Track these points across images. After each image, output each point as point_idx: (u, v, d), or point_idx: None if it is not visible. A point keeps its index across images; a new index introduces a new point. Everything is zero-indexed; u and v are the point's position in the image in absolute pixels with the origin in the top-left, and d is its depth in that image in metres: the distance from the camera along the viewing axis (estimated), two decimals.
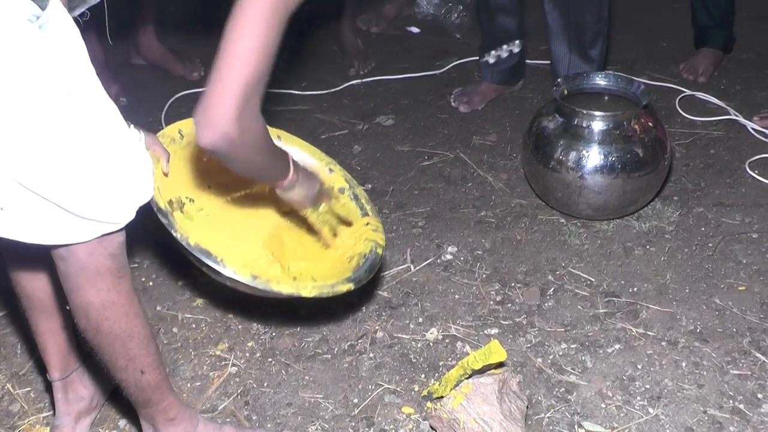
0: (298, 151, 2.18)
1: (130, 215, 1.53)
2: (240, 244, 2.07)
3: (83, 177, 1.43)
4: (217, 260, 1.76)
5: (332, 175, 2.17)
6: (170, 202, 1.92)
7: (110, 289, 1.55)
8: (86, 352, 1.75)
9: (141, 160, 1.55)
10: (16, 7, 1.31)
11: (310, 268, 2.05)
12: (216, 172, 2.06)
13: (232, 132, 1.44)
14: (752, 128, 3.10)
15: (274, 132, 2.04)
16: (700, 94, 3.36)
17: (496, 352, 1.84)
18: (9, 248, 1.69)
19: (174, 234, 1.75)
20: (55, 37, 1.40)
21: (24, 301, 1.78)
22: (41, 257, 1.71)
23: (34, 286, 1.75)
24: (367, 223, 2.06)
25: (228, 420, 1.98)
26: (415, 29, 4.21)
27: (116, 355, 1.61)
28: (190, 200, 2.04)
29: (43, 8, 1.36)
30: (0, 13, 1.29)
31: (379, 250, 2.01)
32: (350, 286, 1.90)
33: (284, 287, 1.83)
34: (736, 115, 3.18)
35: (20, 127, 1.33)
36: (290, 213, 2.11)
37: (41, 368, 2.11)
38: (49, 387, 1.94)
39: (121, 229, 1.53)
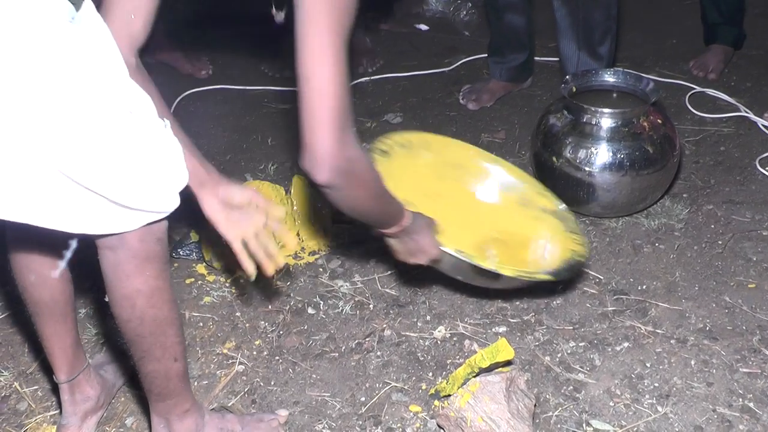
0: (504, 172, 2.33)
1: (176, 201, 1.54)
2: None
3: (131, 167, 1.44)
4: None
5: (543, 198, 2.27)
6: None
7: (158, 276, 1.57)
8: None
9: (175, 147, 1.56)
10: (57, 8, 1.33)
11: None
12: (438, 187, 2.30)
13: (340, 161, 1.49)
14: (762, 125, 3.08)
15: (477, 153, 2.34)
16: (710, 91, 3.35)
17: (503, 350, 1.84)
18: (18, 255, 1.70)
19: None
20: (91, 35, 1.41)
21: (31, 307, 1.78)
22: (50, 263, 1.72)
23: (41, 292, 1.75)
24: (571, 238, 2.14)
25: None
26: (423, 26, 4.21)
27: (156, 344, 1.62)
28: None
29: (77, 9, 1.38)
30: (44, 14, 1.30)
31: (580, 258, 2.06)
32: (549, 277, 2.04)
33: (485, 263, 2.00)
34: (747, 112, 3.17)
35: (70, 123, 1.34)
36: (507, 228, 2.27)
37: (48, 367, 2.10)
38: (55, 386, 1.94)
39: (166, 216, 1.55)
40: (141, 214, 1.49)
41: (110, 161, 1.41)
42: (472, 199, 2.33)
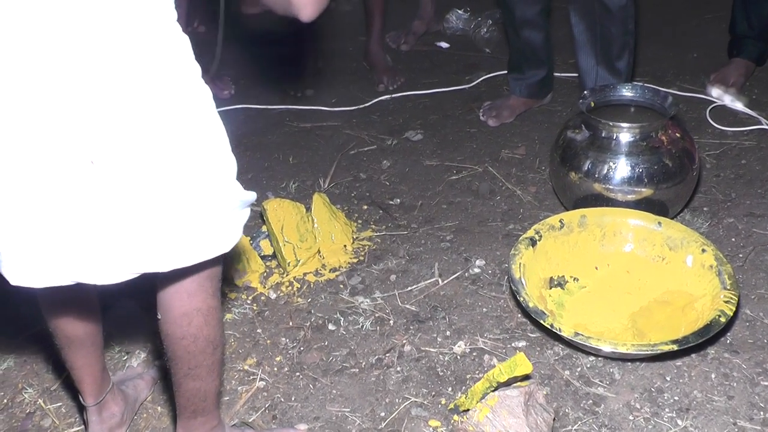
0: (662, 230, 2.39)
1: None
2: (605, 313, 2.30)
3: (227, 185, 1.51)
4: (544, 318, 2.09)
5: (704, 255, 2.27)
6: (551, 279, 2.37)
7: (214, 294, 1.61)
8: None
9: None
10: (171, 12, 1.37)
11: (666, 336, 2.11)
12: (603, 256, 2.42)
13: None
14: None
15: (634, 215, 2.44)
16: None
17: (521, 364, 1.84)
18: (50, 296, 1.69)
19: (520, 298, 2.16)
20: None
21: (62, 341, 1.79)
22: (86, 300, 1.74)
23: (76, 328, 1.77)
24: (723, 296, 2.12)
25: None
26: (444, 44, 4.23)
27: (203, 363, 1.65)
28: (574, 279, 2.39)
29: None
30: (167, 18, 1.36)
31: (723, 319, 2.05)
32: (673, 347, 2.00)
33: (603, 344, 2.04)
34: None
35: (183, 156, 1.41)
36: (671, 288, 2.32)
37: (72, 384, 2.13)
38: (80, 403, 1.96)
39: None
40: (230, 236, 1.54)
41: (215, 182, 1.47)
42: (638, 261, 2.40)
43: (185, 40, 1.40)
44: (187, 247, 1.47)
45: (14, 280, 1.45)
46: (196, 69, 1.42)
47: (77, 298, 1.73)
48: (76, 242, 1.39)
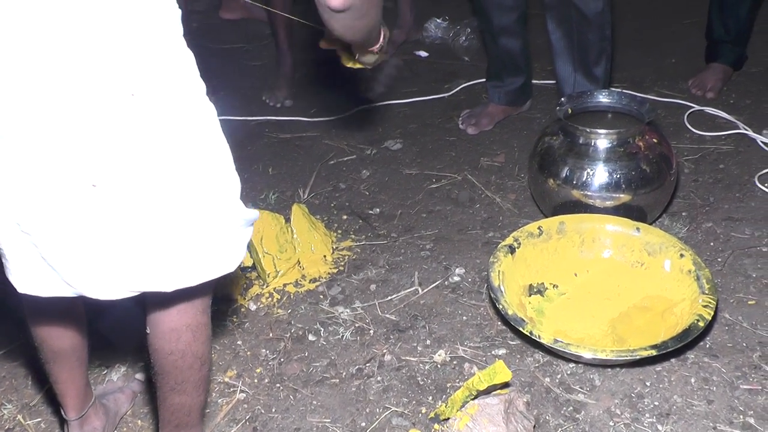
0: (641, 235, 2.40)
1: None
2: (585, 319, 2.30)
3: (231, 203, 1.50)
4: (524, 326, 2.10)
5: (683, 259, 2.28)
6: (530, 287, 2.37)
7: (204, 311, 1.61)
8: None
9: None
10: (178, 27, 1.36)
11: (646, 341, 2.11)
12: (582, 263, 2.44)
13: None
14: (762, 142, 3.08)
15: (613, 221, 2.45)
16: (709, 109, 3.35)
17: (500, 372, 1.84)
18: (37, 310, 1.70)
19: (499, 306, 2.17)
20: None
21: (48, 354, 1.78)
22: (73, 315, 1.74)
23: (62, 341, 1.77)
24: (702, 301, 2.14)
25: None
26: (423, 53, 4.23)
27: (190, 378, 1.64)
28: (553, 286, 2.39)
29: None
30: (173, 34, 1.34)
31: (701, 323, 2.06)
32: (652, 352, 2.01)
33: (583, 351, 2.04)
34: (746, 129, 3.17)
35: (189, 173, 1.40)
36: (651, 293, 2.34)
37: (51, 399, 2.13)
38: (60, 419, 1.95)
39: None
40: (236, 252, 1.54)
41: (221, 200, 1.47)
42: (617, 267, 2.41)
43: (190, 56, 1.38)
44: (192, 267, 1.47)
45: (21, 288, 1.48)
46: (201, 86, 1.41)
47: (65, 311, 1.72)
48: (81, 259, 1.40)
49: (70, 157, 1.30)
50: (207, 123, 1.42)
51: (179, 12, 1.35)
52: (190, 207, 1.42)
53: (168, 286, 1.46)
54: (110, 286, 1.43)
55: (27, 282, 1.47)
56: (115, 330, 2.29)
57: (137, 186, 1.35)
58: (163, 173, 1.36)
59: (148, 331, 1.60)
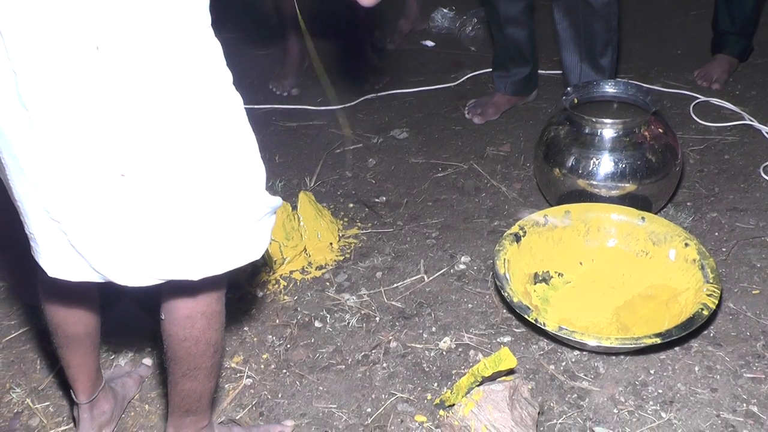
0: (645, 224, 2.41)
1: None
2: (589, 307, 2.32)
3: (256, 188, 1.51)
4: (529, 313, 2.11)
5: (687, 249, 2.29)
6: (536, 275, 2.39)
7: (219, 299, 1.63)
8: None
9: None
10: (206, 16, 1.36)
11: (650, 329, 2.13)
12: (587, 251, 2.45)
13: None
14: (767, 132, 3.09)
15: (617, 210, 2.46)
16: (714, 100, 3.36)
17: (506, 359, 1.85)
18: (54, 295, 1.71)
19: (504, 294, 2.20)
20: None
21: (61, 339, 1.79)
22: (88, 299, 1.75)
23: (76, 327, 1.77)
24: (706, 290, 2.15)
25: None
26: (430, 43, 4.24)
27: (202, 365, 1.66)
28: (558, 274, 2.41)
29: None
30: (200, 23, 1.35)
31: (705, 312, 2.07)
32: (657, 341, 2.02)
33: (588, 338, 2.05)
34: (751, 120, 3.18)
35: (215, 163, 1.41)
36: (655, 282, 2.34)
37: (59, 383, 2.15)
38: (68, 402, 1.96)
39: None
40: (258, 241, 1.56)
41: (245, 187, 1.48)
42: (622, 256, 2.42)
43: (217, 45, 1.39)
44: (219, 255, 1.49)
45: (51, 272, 1.49)
46: (228, 76, 1.42)
47: (81, 298, 1.73)
48: (109, 247, 1.42)
49: (100, 147, 1.31)
50: (233, 112, 1.43)
51: (207, 1, 1.36)
52: (217, 196, 1.43)
53: (195, 275, 1.47)
54: (138, 274, 1.45)
55: (56, 266, 1.48)
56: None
57: (165, 176, 1.36)
58: (191, 163, 1.38)
59: (162, 317, 1.62)
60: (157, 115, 1.31)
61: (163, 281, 1.48)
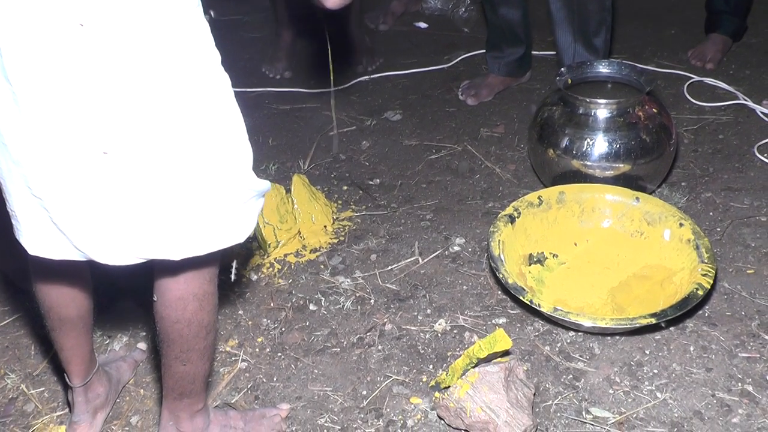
0: (640, 205, 2.41)
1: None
2: (584, 288, 2.32)
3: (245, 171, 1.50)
4: (524, 294, 2.10)
5: (682, 229, 2.28)
6: (530, 256, 2.38)
7: (211, 280, 1.62)
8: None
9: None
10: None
11: (645, 310, 2.13)
12: (581, 232, 2.45)
13: None
14: (761, 112, 3.09)
15: (612, 191, 2.46)
16: (708, 80, 3.36)
17: (501, 340, 1.85)
18: (45, 277, 1.70)
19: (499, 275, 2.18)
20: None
21: (54, 322, 1.78)
22: (80, 281, 1.74)
23: (69, 310, 1.76)
24: (701, 269, 2.14)
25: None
26: (423, 24, 4.22)
27: (195, 347, 1.65)
28: (553, 255, 2.41)
29: None
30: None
31: (700, 292, 2.07)
32: (652, 321, 2.01)
33: (583, 319, 2.05)
34: (745, 100, 3.17)
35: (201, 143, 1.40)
36: (650, 262, 2.34)
37: (54, 368, 2.14)
38: (62, 386, 1.96)
39: None
40: (245, 222, 1.55)
41: (232, 170, 1.47)
42: (617, 236, 2.41)
43: (205, 25, 1.38)
44: (201, 236, 1.48)
45: (32, 250, 1.49)
46: (216, 55, 1.40)
47: (73, 279, 1.72)
48: (90, 224, 1.41)
49: (83, 124, 1.30)
50: (220, 92, 1.42)
51: None
52: (202, 176, 1.42)
53: (176, 255, 1.46)
54: (119, 252, 1.44)
55: (37, 244, 1.47)
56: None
57: (149, 154, 1.35)
58: (175, 141, 1.37)
59: (155, 299, 1.61)
60: (141, 94, 1.30)
61: (144, 260, 1.47)
